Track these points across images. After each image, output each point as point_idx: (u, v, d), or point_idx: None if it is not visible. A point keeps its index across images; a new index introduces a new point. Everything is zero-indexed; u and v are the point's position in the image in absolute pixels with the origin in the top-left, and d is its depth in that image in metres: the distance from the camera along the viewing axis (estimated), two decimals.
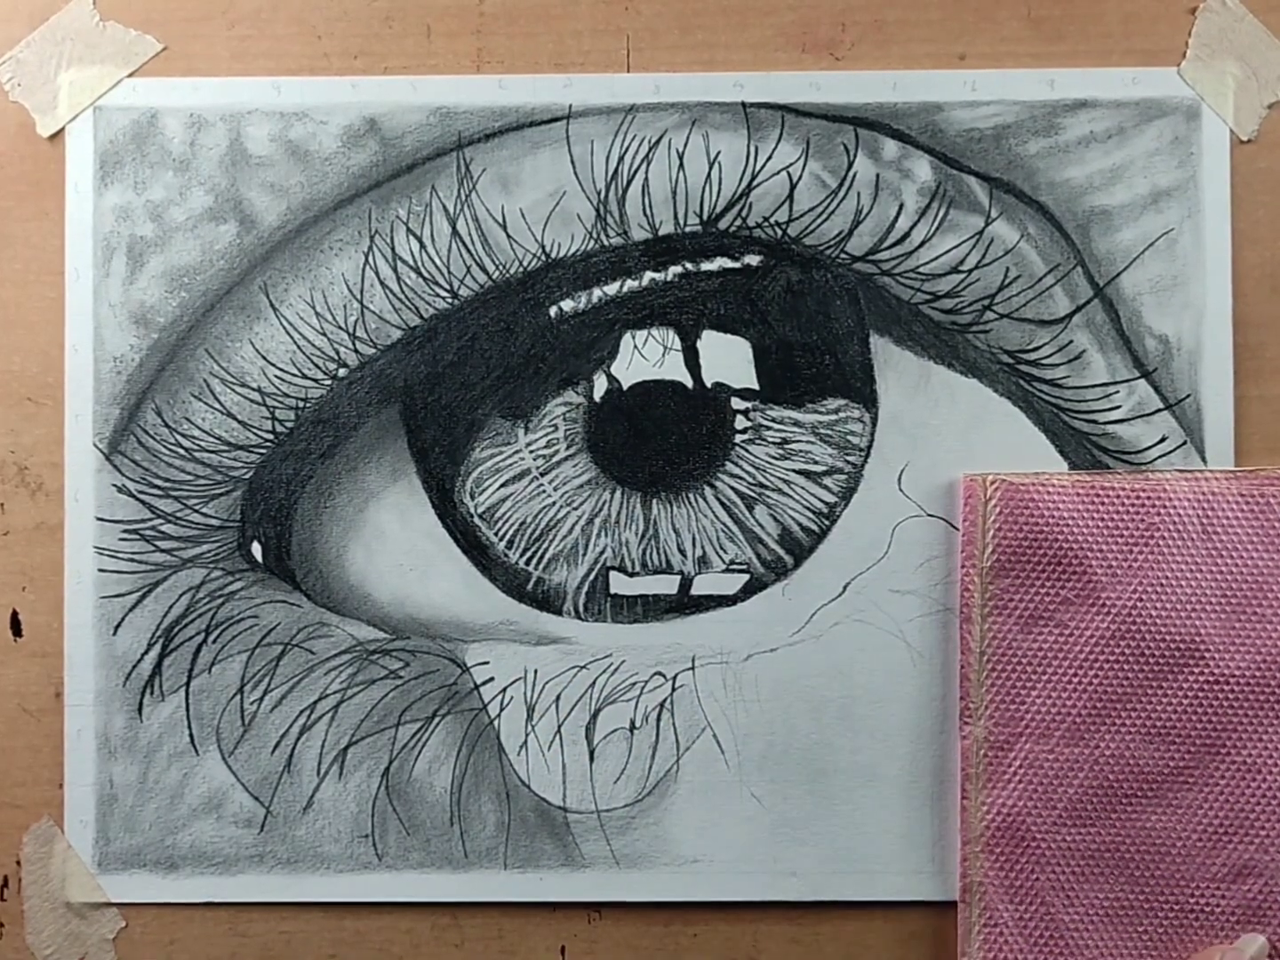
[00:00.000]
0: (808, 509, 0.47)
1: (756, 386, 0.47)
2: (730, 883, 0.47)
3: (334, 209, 0.47)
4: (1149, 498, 0.46)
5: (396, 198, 0.47)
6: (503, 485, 0.47)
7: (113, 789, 0.47)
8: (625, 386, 0.47)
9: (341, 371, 0.47)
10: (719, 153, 0.47)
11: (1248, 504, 0.46)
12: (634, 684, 0.47)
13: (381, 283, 0.47)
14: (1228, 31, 0.47)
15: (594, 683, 0.47)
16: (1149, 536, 0.46)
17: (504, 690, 0.47)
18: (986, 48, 0.47)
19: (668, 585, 0.47)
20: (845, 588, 0.47)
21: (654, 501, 0.47)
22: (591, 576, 0.47)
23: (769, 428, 0.47)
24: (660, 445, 0.47)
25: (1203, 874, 0.45)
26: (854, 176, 0.47)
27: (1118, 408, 0.47)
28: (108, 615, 0.47)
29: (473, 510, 0.47)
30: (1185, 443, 0.47)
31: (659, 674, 0.47)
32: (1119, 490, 0.46)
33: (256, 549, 0.47)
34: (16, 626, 0.47)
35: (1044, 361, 0.47)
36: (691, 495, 0.47)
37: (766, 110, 0.47)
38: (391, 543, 0.47)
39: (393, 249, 0.47)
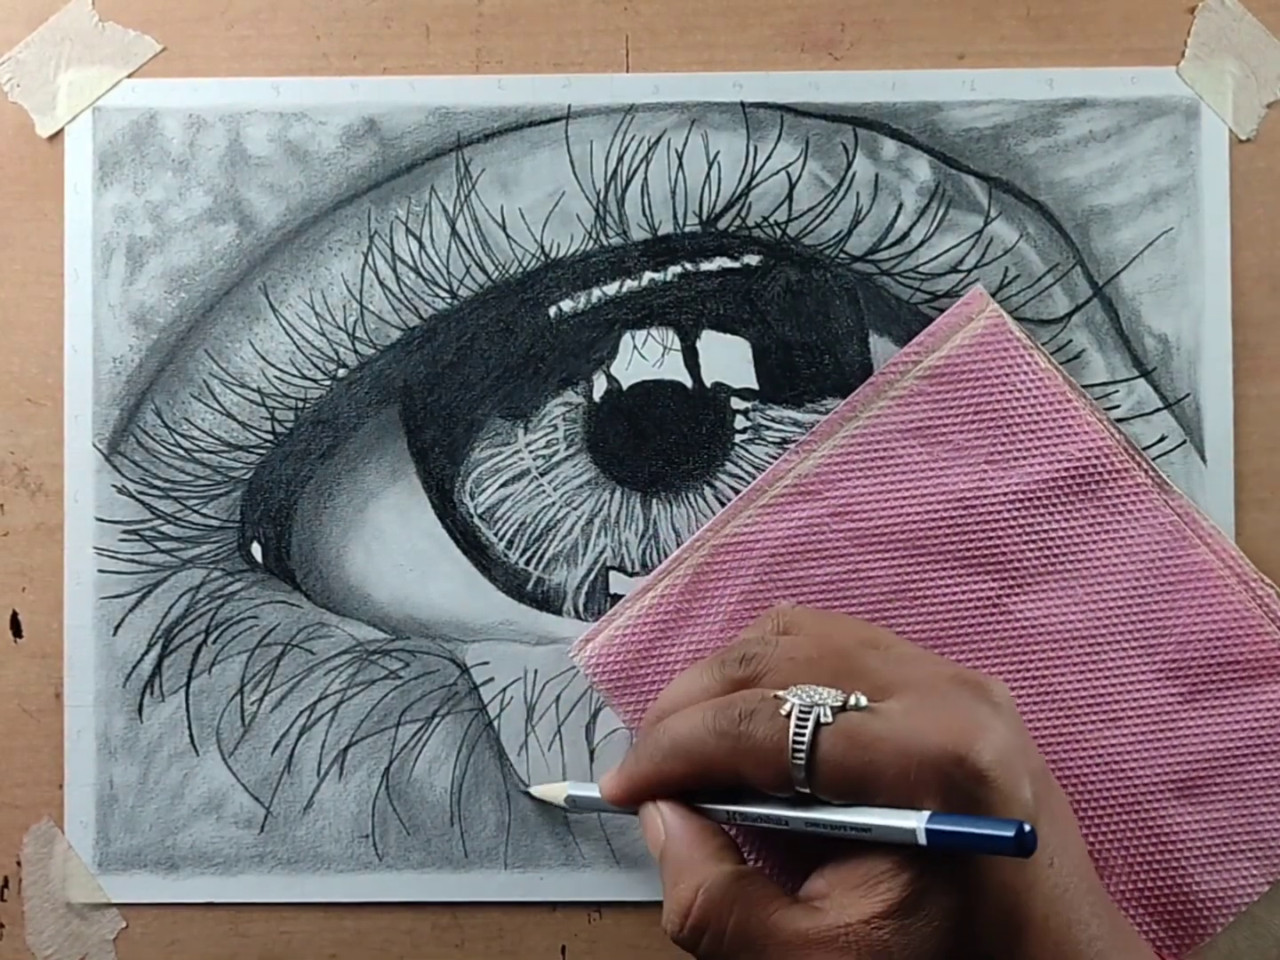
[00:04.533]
0: None
1: (756, 386, 0.47)
2: None
3: (333, 209, 0.47)
4: (1092, 444, 0.46)
5: (396, 198, 0.47)
6: (502, 485, 0.47)
7: (113, 789, 0.47)
8: (625, 386, 0.47)
9: (341, 372, 0.47)
10: (718, 153, 0.47)
11: (1168, 529, 0.46)
12: None
13: (381, 283, 0.47)
14: (1227, 31, 0.47)
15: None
16: (1043, 463, 0.45)
17: (504, 690, 0.47)
18: (985, 47, 0.47)
19: None
20: None
21: (654, 501, 0.47)
22: (591, 576, 0.47)
23: (769, 427, 0.47)
24: (660, 445, 0.47)
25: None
26: (853, 176, 0.47)
27: (1117, 407, 0.47)
28: (108, 616, 0.47)
29: (472, 510, 0.47)
30: (1185, 442, 0.47)
31: None
32: (1078, 413, 0.46)
33: (256, 549, 0.47)
34: (16, 627, 0.47)
35: None
36: (691, 495, 0.47)
37: (766, 110, 0.47)
38: (391, 543, 0.47)
39: (392, 249, 0.47)
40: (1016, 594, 0.45)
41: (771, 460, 0.47)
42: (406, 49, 0.48)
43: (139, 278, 0.47)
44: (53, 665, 0.47)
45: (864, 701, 0.36)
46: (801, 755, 0.36)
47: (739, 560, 0.46)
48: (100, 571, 0.47)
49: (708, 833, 0.39)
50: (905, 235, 0.47)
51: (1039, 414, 0.46)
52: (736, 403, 0.47)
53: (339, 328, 0.47)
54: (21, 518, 0.47)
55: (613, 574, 0.47)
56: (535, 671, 0.47)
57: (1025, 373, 0.46)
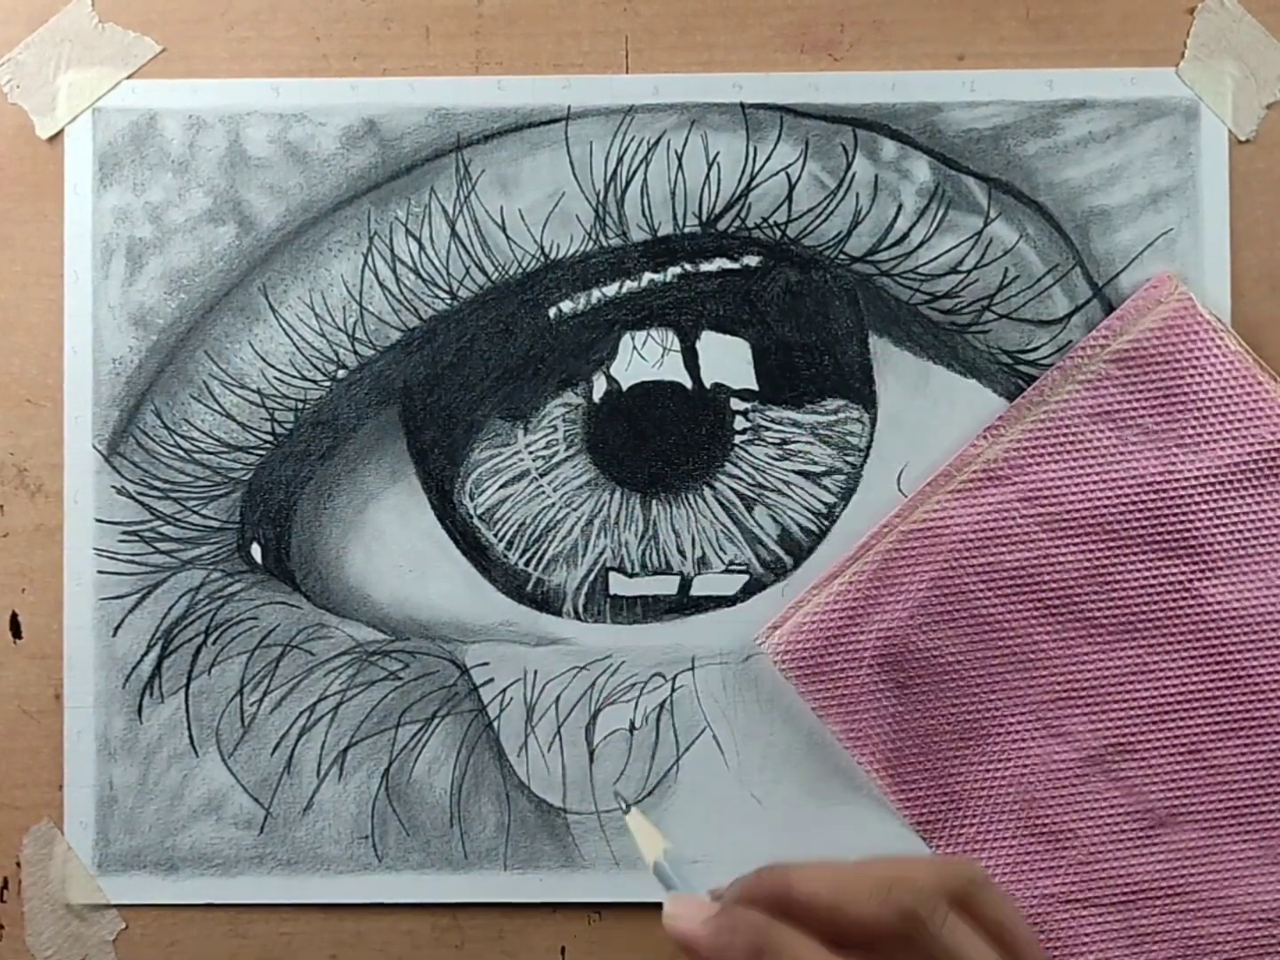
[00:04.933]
0: (807, 509, 0.47)
1: (756, 387, 0.47)
2: None
3: (333, 210, 0.47)
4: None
5: (395, 199, 0.47)
6: (502, 486, 0.47)
7: (112, 790, 0.47)
8: (624, 387, 0.47)
9: (340, 373, 0.47)
10: (718, 153, 0.47)
11: None
12: (634, 685, 0.47)
13: (380, 284, 0.47)
14: (1226, 31, 0.47)
15: (594, 683, 0.47)
16: (1238, 444, 0.45)
17: (504, 691, 0.47)
18: (985, 48, 0.47)
19: (667, 586, 0.47)
20: None
21: (653, 502, 0.47)
22: (591, 577, 0.47)
23: (768, 428, 0.47)
24: (659, 446, 0.47)
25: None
26: (853, 177, 0.47)
27: None
28: (107, 617, 0.47)
29: (472, 511, 0.47)
30: None
31: (659, 674, 0.47)
32: (1270, 394, 0.45)
33: (256, 550, 0.47)
34: (16, 628, 0.47)
35: (1043, 362, 0.47)
36: (691, 496, 0.47)
37: (765, 111, 0.47)
38: (391, 544, 0.47)
39: (392, 250, 0.47)
40: (1208, 578, 0.45)
41: (771, 461, 0.47)
42: (406, 50, 0.48)
43: (139, 279, 0.47)
44: (52, 666, 0.47)
45: None
46: None
47: (928, 546, 0.46)
48: (100, 572, 0.47)
49: None
50: (905, 236, 0.47)
51: (1229, 397, 0.46)
52: (736, 403, 0.47)
53: (339, 329, 0.47)
54: (21, 518, 0.47)
55: (612, 575, 0.47)
56: (535, 672, 0.47)
57: (1215, 356, 0.46)
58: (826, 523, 0.47)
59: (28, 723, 0.47)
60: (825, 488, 0.47)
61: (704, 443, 0.47)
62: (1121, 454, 0.46)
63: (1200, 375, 0.45)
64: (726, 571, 0.47)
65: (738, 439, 0.47)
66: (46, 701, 0.47)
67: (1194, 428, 0.45)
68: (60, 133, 0.48)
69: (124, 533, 0.47)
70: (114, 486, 0.47)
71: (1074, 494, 0.46)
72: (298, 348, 0.47)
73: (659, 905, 0.47)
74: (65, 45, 0.48)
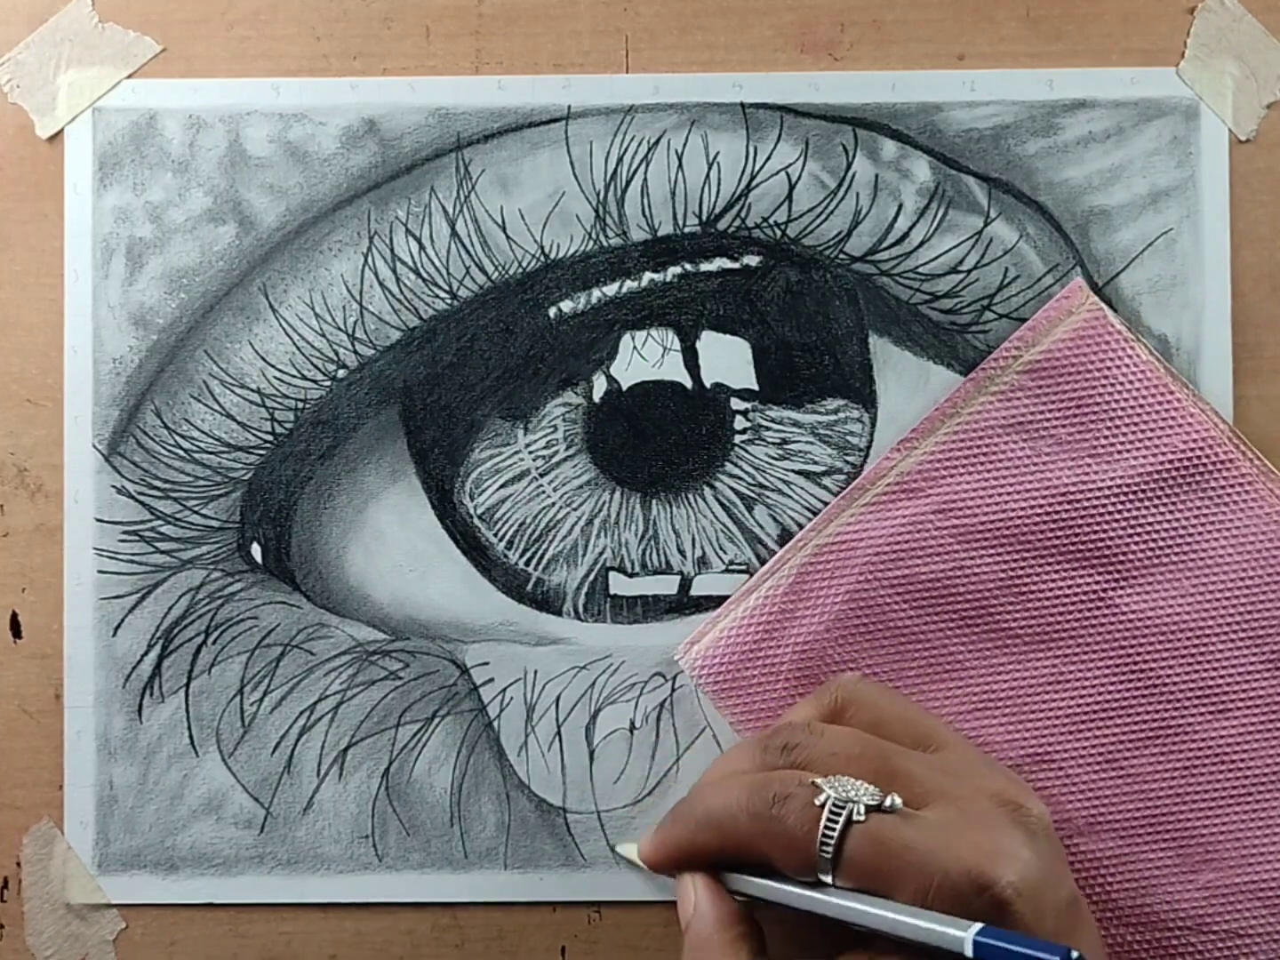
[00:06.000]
0: (807, 509, 0.47)
1: (756, 387, 0.47)
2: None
3: (333, 210, 0.47)
4: (1196, 436, 0.45)
5: (395, 199, 0.47)
6: (502, 486, 0.47)
7: (112, 790, 0.47)
8: (625, 387, 0.47)
9: (341, 372, 0.47)
10: (718, 153, 0.47)
11: (1274, 518, 0.45)
12: (634, 684, 0.47)
13: (380, 284, 0.47)
14: (1226, 31, 0.47)
15: (594, 683, 0.47)
16: (1151, 458, 0.45)
17: (504, 691, 0.47)
18: (985, 48, 0.47)
19: (667, 586, 0.47)
20: None
21: (653, 502, 0.47)
22: (591, 577, 0.47)
23: (768, 428, 0.47)
24: (660, 446, 0.47)
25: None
26: (853, 177, 0.47)
27: None
28: (107, 617, 0.47)
29: (472, 511, 0.47)
30: None
31: (659, 674, 0.47)
32: (1181, 404, 0.45)
33: (256, 550, 0.47)
34: (16, 628, 0.47)
35: None
36: (691, 496, 0.47)
37: (765, 111, 0.47)
38: (391, 544, 0.47)
39: (392, 250, 0.47)
40: (1122, 587, 0.45)
41: (771, 461, 0.47)
42: (406, 49, 0.48)
43: (139, 278, 0.47)
44: (53, 666, 0.47)
45: (899, 804, 0.37)
46: (829, 850, 0.36)
47: (843, 559, 0.46)
48: (100, 572, 0.47)
49: (735, 918, 0.39)
50: (905, 236, 0.47)
51: (1141, 406, 0.45)
52: (736, 403, 0.47)
53: (339, 328, 0.47)
54: (21, 518, 0.47)
55: (612, 575, 0.47)
56: (535, 672, 0.47)
57: (1126, 365, 0.46)
58: None
59: (28, 723, 0.47)
60: (825, 488, 0.47)
61: (704, 442, 0.47)
62: (1035, 465, 0.46)
63: (1112, 385, 0.45)
64: (727, 571, 0.47)
65: (738, 439, 0.47)
66: (46, 701, 0.47)
67: (1106, 438, 0.45)
68: (60, 132, 0.48)
69: (124, 533, 0.47)
70: (114, 486, 0.47)
71: (988, 505, 0.45)
72: (298, 347, 0.47)
73: (659, 904, 0.47)
74: (65, 45, 0.48)
